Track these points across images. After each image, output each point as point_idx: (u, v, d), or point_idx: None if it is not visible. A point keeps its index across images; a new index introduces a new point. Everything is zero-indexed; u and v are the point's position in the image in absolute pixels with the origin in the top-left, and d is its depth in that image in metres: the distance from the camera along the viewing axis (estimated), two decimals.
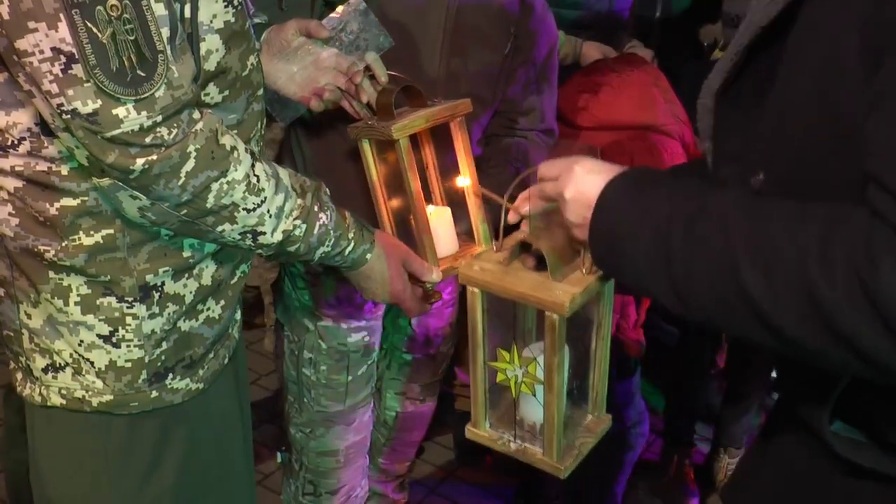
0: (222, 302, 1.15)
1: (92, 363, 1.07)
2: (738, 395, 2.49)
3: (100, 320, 1.05)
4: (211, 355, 1.17)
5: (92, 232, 1.01)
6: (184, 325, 1.11)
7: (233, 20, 1.01)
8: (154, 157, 0.91)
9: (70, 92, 0.86)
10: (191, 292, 1.10)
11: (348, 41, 1.46)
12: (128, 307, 1.05)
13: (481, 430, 1.10)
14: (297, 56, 1.40)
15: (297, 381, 1.79)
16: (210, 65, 1.00)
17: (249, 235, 1.04)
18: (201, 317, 1.13)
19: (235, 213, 1.01)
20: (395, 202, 1.45)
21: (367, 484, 1.97)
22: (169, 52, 0.90)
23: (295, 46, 1.40)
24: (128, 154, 0.90)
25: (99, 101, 0.86)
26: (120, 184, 0.94)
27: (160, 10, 0.89)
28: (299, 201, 1.08)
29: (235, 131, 1.05)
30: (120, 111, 0.87)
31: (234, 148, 0.99)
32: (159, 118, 0.90)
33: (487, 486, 2.54)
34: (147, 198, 0.95)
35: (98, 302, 1.04)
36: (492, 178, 1.52)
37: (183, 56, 0.93)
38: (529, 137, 1.71)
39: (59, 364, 1.07)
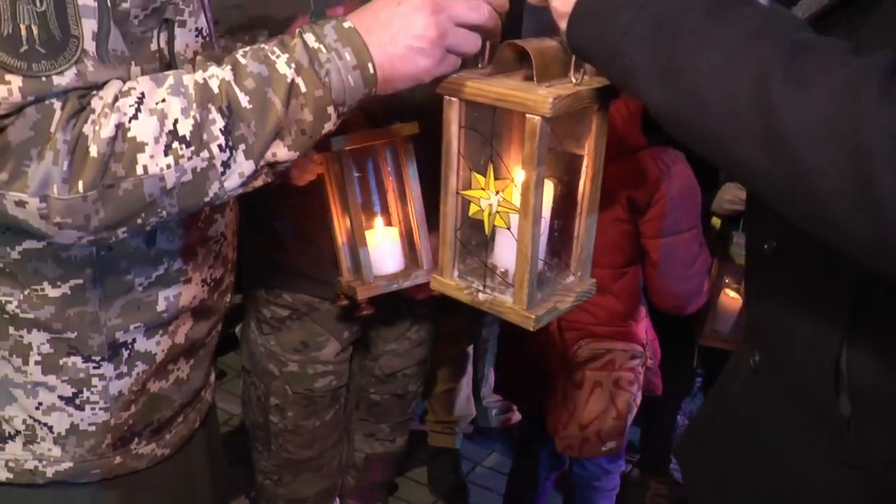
0: (192, 362, 1.10)
1: (50, 428, 0.99)
2: None
3: (62, 381, 0.98)
4: (180, 419, 1.11)
5: (59, 282, 0.93)
6: (153, 387, 1.04)
7: (201, 50, 0.97)
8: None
9: None
10: (163, 350, 1.03)
11: None
12: (94, 367, 0.98)
13: (448, 279, 0.97)
14: None
15: (264, 427, 1.75)
16: None
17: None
18: (171, 377, 1.07)
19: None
20: (349, 219, 1.49)
21: None
22: (91, 46, 0.80)
23: None
24: None
25: None
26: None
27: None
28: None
29: None
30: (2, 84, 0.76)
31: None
32: None
33: None
34: (29, 191, 0.78)
35: (62, 362, 0.97)
36: None
37: (118, 66, 0.84)
38: None
39: (9, 433, 1.00)
